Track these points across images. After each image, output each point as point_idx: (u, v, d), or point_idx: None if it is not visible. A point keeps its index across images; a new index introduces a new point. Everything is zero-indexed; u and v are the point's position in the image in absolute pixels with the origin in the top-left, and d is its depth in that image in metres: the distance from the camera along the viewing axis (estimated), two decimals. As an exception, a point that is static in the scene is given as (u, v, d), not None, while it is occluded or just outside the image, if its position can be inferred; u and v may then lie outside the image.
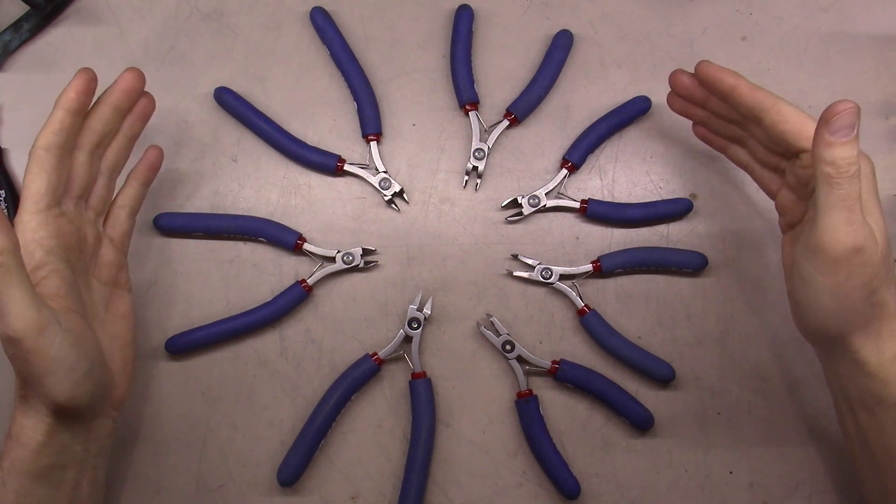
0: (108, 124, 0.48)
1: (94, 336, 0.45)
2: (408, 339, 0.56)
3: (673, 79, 0.52)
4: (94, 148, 0.48)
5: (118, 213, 0.51)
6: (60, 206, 0.46)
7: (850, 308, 0.42)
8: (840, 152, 0.40)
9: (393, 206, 0.58)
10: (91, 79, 0.46)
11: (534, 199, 0.58)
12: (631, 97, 0.60)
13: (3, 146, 0.58)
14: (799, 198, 0.48)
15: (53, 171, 0.44)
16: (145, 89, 0.50)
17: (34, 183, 0.44)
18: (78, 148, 0.47)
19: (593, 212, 0.57)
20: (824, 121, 0.41)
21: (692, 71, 0.50)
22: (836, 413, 0.49)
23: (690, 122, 0.60)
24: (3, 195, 0.56)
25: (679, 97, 0.53)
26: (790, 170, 0.47)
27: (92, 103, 0.47)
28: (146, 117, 0.51)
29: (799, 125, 0.44)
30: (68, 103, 0.45)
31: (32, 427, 0.43)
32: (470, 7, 0.60)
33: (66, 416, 0.43)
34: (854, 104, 0.40)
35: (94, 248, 0.49)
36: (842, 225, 0.41)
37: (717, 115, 0.52)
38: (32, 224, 0.44)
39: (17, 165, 0.58)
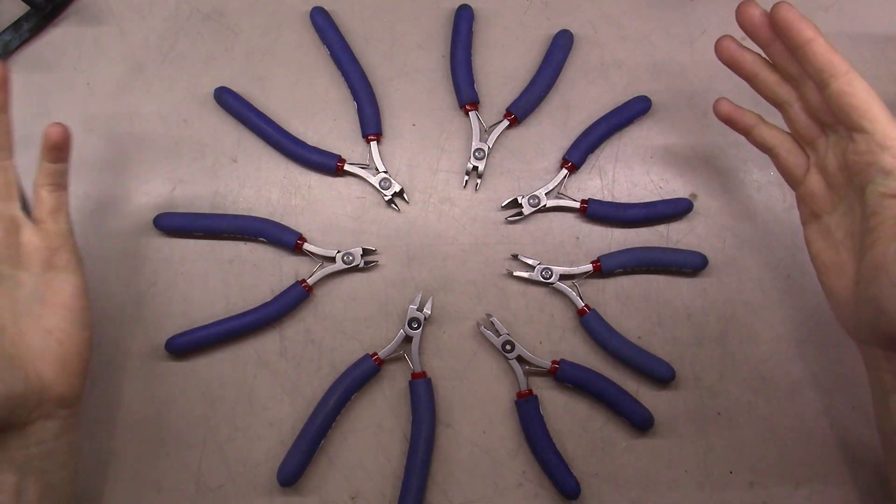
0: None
1: None
2: (408, 339, 0.56)
3: (742, 10, 0.46)
4: None
5: (39, 192, 0.48)
6: None
7: None
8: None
9: (393, 206, 0.58)
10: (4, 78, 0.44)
11: (534, 199, 0.58)
12: (631, 97, 0.60)
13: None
14: (829, 185, 0.45)
15: None
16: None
17: None
18: None
19: (593, 212, 0.57)
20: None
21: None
22: (875, 408, 0.46)
23: (690, 122, 0.60)
24: None
25: (731, 43, 0.48)
26: (833, 149, 0.44)
27: None
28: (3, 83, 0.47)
29: (868, 103, 0.41)
30: None
31: None
32: (470, 7, 0.60)
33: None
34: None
35: (8, 239, 0.45)
36: (879, 149, 0.39)
37: (774, 67, 0.48)
38: None
39: (20, 161, 0.58)
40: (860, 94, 0.41)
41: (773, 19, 0.44)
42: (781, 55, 0.46)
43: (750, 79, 0.49)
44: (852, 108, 0.42)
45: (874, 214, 0.41)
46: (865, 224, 0.42)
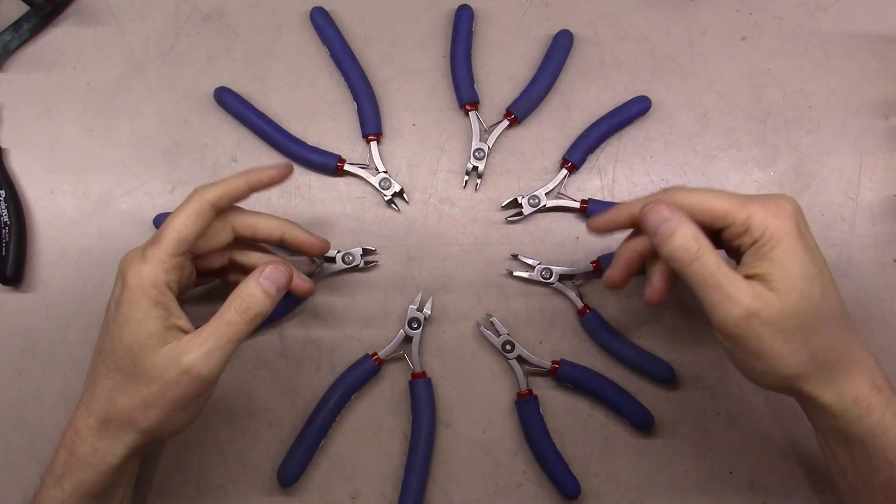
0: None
1: None
2: (408, 339, 0.56)
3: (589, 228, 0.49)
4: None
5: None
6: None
7: (782, 363, 0.41)
8: (670, 245, 0.42)
9: (393, 206, 0.58)
10: (286, 174, 0.49)
11: (534, 199, 0.58)
12: (631, 97, 0.60)
13: (2, 146, 0.58)
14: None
15: (202, 224, 0.45)
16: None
17: (185, 227, 0.44)
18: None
19: (593, 212, 0.57)
20: (645, 229, 0.43)
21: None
22: (818, 444, 0.47)
23: (690, 122, 0.60)
24: (4, 195, 0.56)
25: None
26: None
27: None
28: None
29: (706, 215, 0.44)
30: (256, 182, 0.47)
31: (111, 451, 0.43)
32: (470, 7, 0.60)
33: (153, 442, 0.44)
34: (659, 202, 0.42)
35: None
36: (718, 301, 0.41)
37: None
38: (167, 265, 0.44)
39: (16, 165, 0.58)
40: (698, 206, 0.44)
41: (595, 231, 0.49)
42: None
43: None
44: (703, 220, 0.44)
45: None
46: None
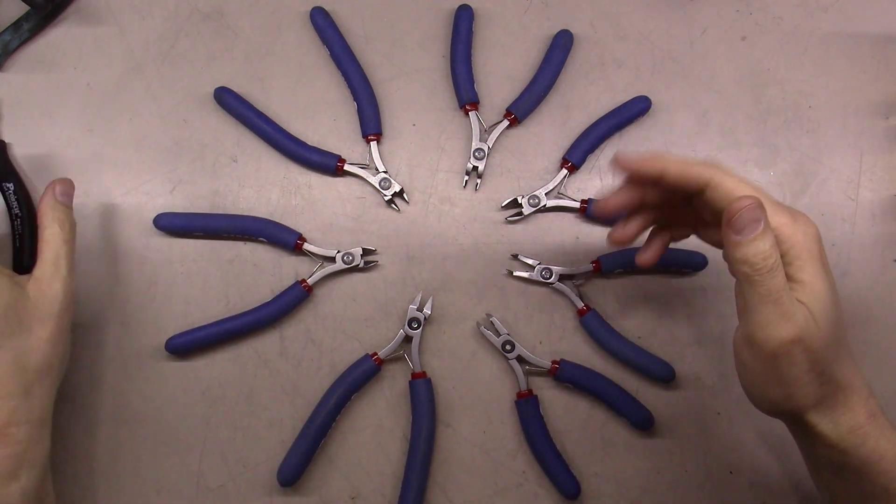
0: None
1: None
2: (408, 339, 0.56)
3: (615, 163, 0.47)
4: None
5: None
6: None
7: (799, 392, 0.41)
8: (751, 250, 0.39)
9: (393, 206, 0.58)
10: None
11: (534, 199, 0.58)
12: (631, 97, 0.60)
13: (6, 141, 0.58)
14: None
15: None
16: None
17: None
18: None
19: (593, 212, 0.57)
20: (727, 221, 0.40)
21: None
22: (808, 470, 0.47)
23: (690, 122, 0.60)
24: (13, 188, 0.56)
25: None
26: (702, 209, 0.45)
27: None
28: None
29: (719, 177, 0.42)
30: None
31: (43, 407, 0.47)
32: (470, 7, 0.60)
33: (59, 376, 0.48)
34: (754, 198, 0.39)
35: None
36: (774, 320, 0.39)
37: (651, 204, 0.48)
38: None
39: (21, 161, 0.58)
40: (733, 193, 0.41)
41: (621, 165, 0.46)
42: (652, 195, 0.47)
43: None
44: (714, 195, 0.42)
45: (741, 312, 0.42)
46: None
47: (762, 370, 0.41)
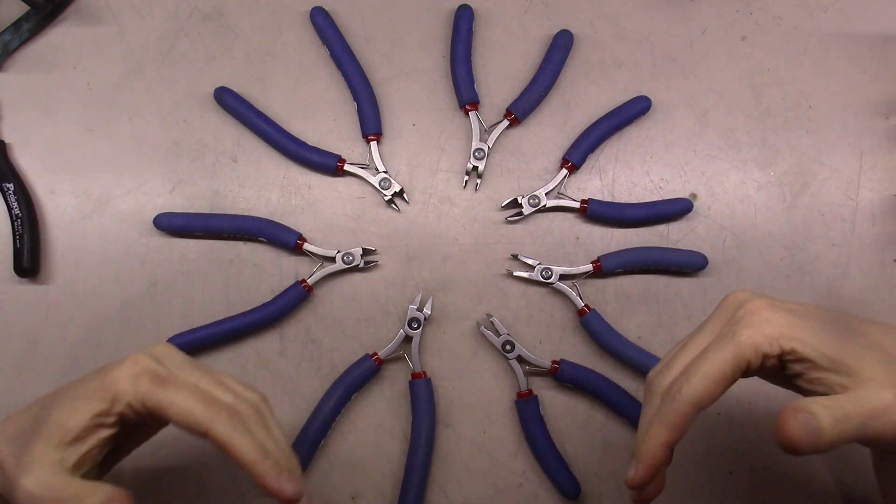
0: None
1: None
2: (408, 339, 0.56)
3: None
4: None
5: None
6: None
7: None
8: (827, 436, 0.36)
9: (393, 206, 0.58)
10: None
11: (534, 199, 0.58)
12: (631, 97, 0.60)
13: (5, 141, 0.58)
14: None
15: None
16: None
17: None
18: None
19: (593, 212, 0.57)
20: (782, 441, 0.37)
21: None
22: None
23: (690, 122, 0.60)
24: (12, 188, 0.56)
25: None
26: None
27: None
28: None
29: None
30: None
31: None
32: (470, 7, 0.60)
33: None
34: (802, 412, 0.36)
35: None
36: (877, 418, 0.36)
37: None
38: None
39: (21, 161, 0.58)
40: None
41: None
42: None
43: None
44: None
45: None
46: None
47: None
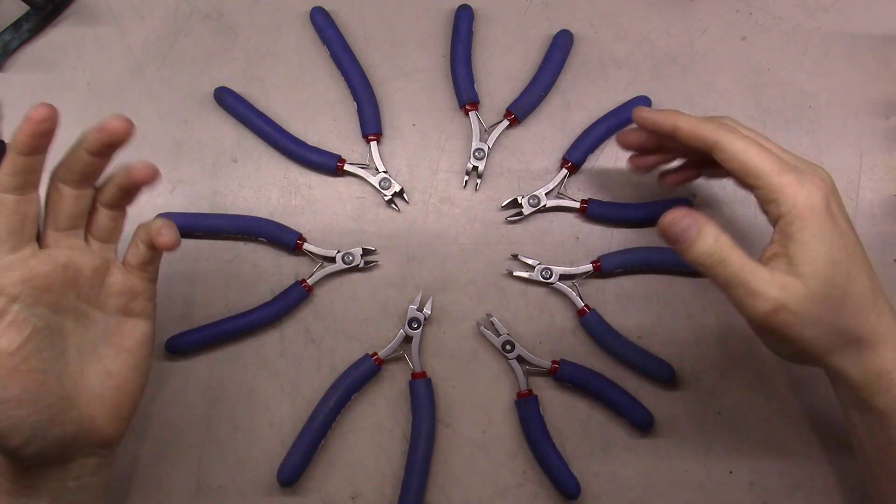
0: (88, 166, 0.44)
1: (53, 391, 0.41)
2: (408, 339, 0.56)
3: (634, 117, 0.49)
4: (78, 183, 0.44)
5: (137, 243, 0.46)
6: (37, 243, 0.42)
7: (807, 345, 0.42)
8: (692, 255, 0.42)
9: (393, 206, 0.58)
10: (42, 119, 0.43)
11: (534, 199, 0.58)
12: (631, 97, 0.60)
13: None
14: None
15: (13, 214, 0.41)
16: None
17: None
18: (60, 181, 0.44)
19: (593, 212, 0.57)
20: (661, 236, 0.43)
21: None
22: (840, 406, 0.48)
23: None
24: None
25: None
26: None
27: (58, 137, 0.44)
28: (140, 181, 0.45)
29: (746, 161, 0.43)
30: (19, 146, 0.42)
31: None
32: (470, 7, 0.60)
33: (25, 463, 0.42)
34: (678, 211, 0.42)
35: (94, 279, 0.44)
36: (745, 299, 0.41)
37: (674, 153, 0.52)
38: None
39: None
40: (737, 156, 0.43)
41: (637, 121, 0.48)
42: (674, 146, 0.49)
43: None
44: (737, 171, 0.44)
45: None
46: None
47: (764, 336, 0.44)
